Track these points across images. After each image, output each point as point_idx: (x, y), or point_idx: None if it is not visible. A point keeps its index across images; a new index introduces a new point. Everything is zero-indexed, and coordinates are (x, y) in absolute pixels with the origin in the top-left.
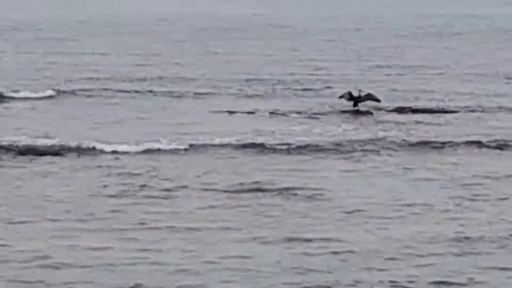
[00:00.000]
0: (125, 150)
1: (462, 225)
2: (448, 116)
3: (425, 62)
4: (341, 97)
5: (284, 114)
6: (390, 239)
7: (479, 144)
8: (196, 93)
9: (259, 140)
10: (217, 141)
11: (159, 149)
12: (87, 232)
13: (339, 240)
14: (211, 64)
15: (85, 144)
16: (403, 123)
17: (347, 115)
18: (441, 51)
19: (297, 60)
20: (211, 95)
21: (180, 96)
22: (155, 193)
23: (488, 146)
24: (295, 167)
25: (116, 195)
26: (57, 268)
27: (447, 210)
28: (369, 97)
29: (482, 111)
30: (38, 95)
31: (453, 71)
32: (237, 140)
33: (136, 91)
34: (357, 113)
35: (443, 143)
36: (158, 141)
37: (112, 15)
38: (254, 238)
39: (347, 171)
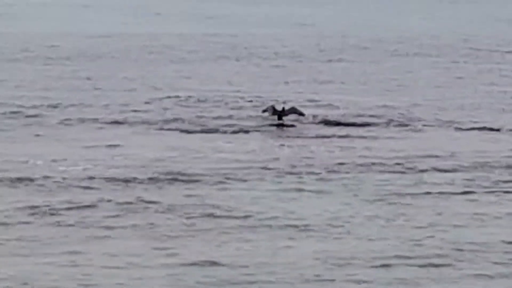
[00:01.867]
0: None
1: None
2: (371, 128)
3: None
4: (264, 111)
5: (207, 132)
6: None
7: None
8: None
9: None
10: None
11: None
12: None
13: None
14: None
15: None
16: (328, 137)
17: (272, 129)
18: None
19: (214, 78)
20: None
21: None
22: None
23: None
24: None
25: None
26: None
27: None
28: (293, 111)
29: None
30: None
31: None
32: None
33: None
34: (282, 127)
35: (368, 157)
36: None
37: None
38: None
39: (272, 190)
